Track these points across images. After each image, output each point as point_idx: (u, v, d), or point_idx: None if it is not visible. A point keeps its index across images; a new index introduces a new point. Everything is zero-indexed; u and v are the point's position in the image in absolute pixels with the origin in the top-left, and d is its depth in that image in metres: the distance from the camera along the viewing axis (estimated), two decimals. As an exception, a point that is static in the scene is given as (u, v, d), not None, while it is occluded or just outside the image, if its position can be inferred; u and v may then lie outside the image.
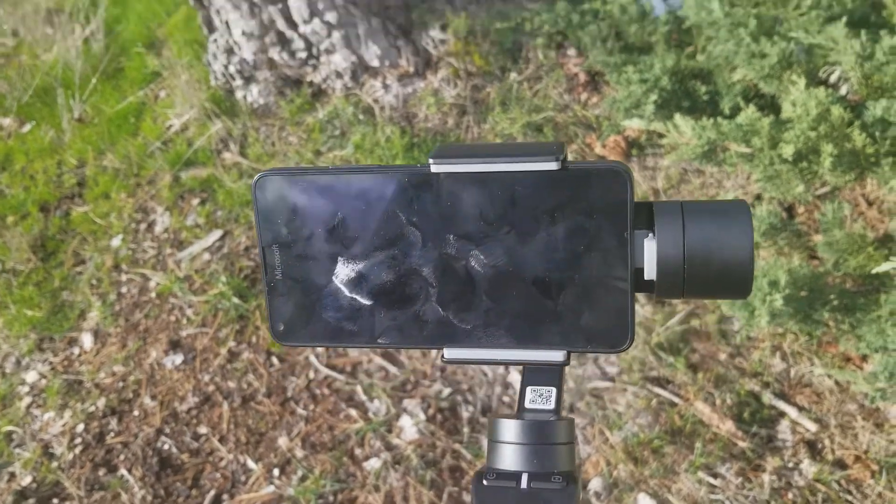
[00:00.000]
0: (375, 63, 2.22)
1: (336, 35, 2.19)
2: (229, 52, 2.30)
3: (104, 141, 2.46)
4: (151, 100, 2.57)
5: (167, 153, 2.34)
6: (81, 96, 2.62)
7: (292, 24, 2.20)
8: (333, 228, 0.49)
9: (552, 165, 0.44)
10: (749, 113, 1.54)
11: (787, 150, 1.48)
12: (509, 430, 0.47)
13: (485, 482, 0.46)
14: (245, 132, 2.30)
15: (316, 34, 2.20)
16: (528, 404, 0.48)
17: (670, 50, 2.06)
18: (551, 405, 0.48)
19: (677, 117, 1.60)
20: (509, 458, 0.46)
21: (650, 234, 0.45)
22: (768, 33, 1.75)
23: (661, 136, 1.92)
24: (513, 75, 2.22)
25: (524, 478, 0.46)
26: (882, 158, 1.51)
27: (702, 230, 0.44)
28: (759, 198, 1.76)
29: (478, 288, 0.47)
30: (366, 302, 0.49)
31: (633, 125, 1.74)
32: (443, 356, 0.49)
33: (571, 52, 2.26)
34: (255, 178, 0.49)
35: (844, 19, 1.63)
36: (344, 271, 0.49)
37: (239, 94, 2.34)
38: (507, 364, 0.49)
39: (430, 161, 0.46)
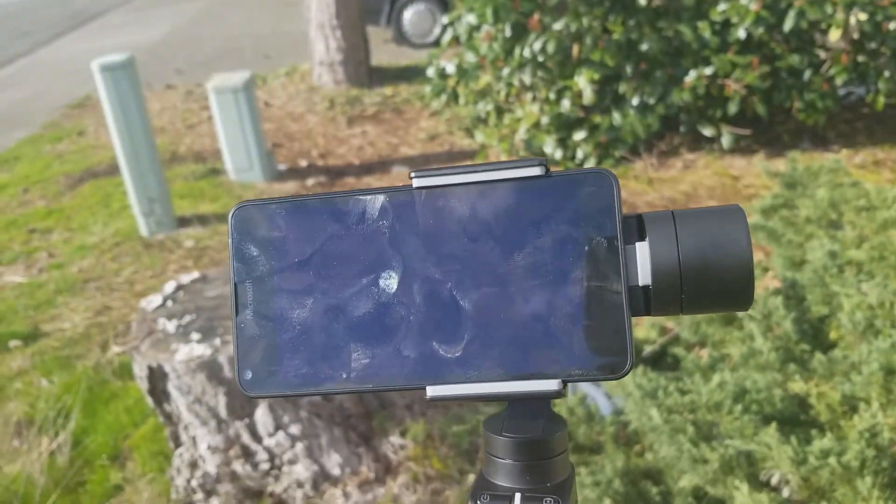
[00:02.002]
0: (336, 471, 2.27)
1: (299, 446, 2.26)
2: (193, 465, 2.35)
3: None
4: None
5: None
6: (39, 512, 2.59)
7: (257, 438, 2.28)
8: (311, 258, 0.46)
9: (536, 171, 0.43)
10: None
11: (741, 561, 1.49)
12: (503, 447, 0.45)
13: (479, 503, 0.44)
14: (203, 548, 2.25)
15: (280, 445, 2.27)
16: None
17: (619, 448, 2.15)
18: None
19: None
20: (502, 475, 0.45)
21: (643, 243, 0.43)
22: (707, 438, 1.86)
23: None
24: (471, 476, 2.26)
25: (517, 498, 0.44)
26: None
27: (696, 235, 0.42)
28: None
29: (463, 314, 0.44)
30: (342, 338, 0.45)
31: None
32: (426, 395, 0.45)
33: (527, 451, 2.34)
34: (232, 209, 0.47)
35: (774, 424, 1.76)
36: (320, 305, 0.46)
37: (200, 507, 2.34)
38: (497, 399, 0.45)
39: (412, 176, 0.44)
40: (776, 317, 2.16)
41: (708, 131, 4.39)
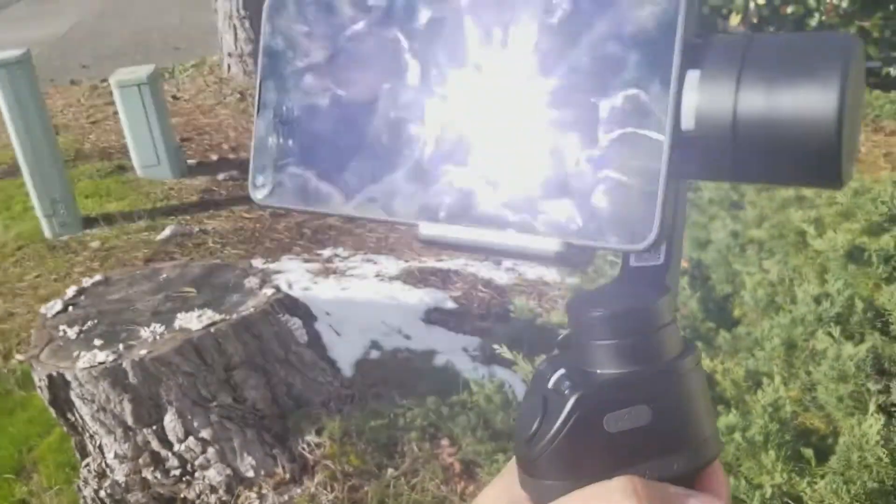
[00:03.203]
0: (251, 474, 2.22)
1: (211, 450, 2.20)
2: (101, 475, 2.26)
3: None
4: (15, 530, 2.43)
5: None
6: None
7: (167, 444, 2.21)
8: (334, 57, 0.40)
9: None
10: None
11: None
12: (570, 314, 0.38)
13: (538, 367, 0.39)
14: (114, 561, 2.17)
15: (191, 451, 2.20)
16: (633, 260, 0.38)
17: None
18: (660, 258, 0.37)
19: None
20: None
21: (694, 72, 0.33)
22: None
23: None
24: (390, 471, 2.25)
25: (556, 375, 0.38)
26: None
27: (768, 68, 0.32)
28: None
29: (477, 144, 0.37)
30: (350, 153, 0.40)
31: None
32: (419, 233, 0.38)
33: (445, 442, 2.33)
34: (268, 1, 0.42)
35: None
36: (334, 113, 0.41)
37: (109, 519, 2.26)
38: (490, 252, 0.37)
39: None
40: (683, 296, 2.21)
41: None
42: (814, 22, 3.94)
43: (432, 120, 0.38)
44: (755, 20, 3.89)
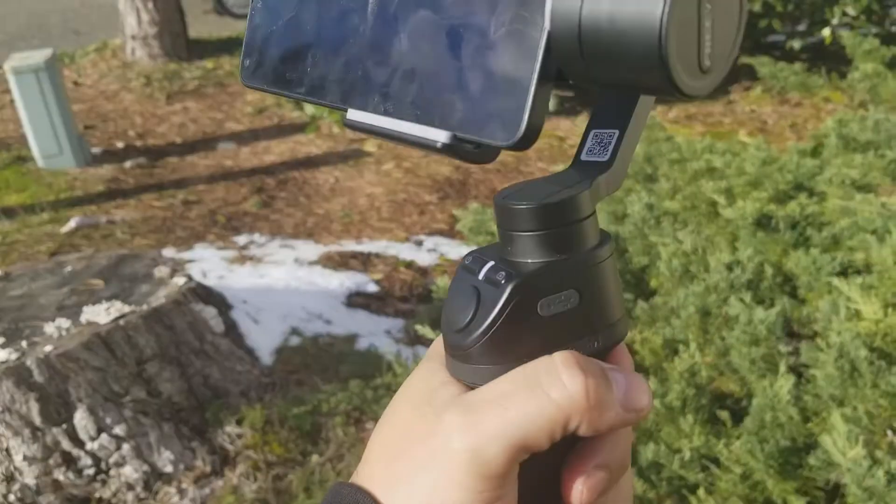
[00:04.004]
0: (169, 469, 2.15)
1: (126, 447, 2.12)
2: (9, 479, 2.15)
3: None
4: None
5: None
6: None
7: (79, 443, 2.11)
8: None
9: None
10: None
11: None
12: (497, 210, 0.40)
13: (463, 262, 0.41)
14: (26, 568, 2.08)
15: (104, 448, 2.12)
16: (584, 155, 0.41)
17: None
18: (606, 156, 0.40)
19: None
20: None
21: None
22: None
23: None
24: (315, 457, 2.21)
25: (486, 266, 0.40)
26: (662, 501, 1.60)
27: None
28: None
29: (399, 42, 0.40)
30: (310, 41, 0.45)
31: None
32: (345, 117, 0.43)
33: (370, 425, 2.31)
34: None
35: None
36: (305, 8, 0.45)
37: (19, 525, 2.15)
38: (399, 141, 0.41)
39: None
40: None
41: (533, 94, 4.48)
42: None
43: (368, 22, 0.42)
44: None
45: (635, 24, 0.31)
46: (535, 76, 0.35)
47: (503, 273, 0.39)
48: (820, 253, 2.01)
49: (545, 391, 0.37)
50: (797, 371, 1.76)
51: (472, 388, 0.39)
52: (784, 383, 1.63)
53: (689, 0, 0.31)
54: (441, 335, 0.42)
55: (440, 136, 0.38)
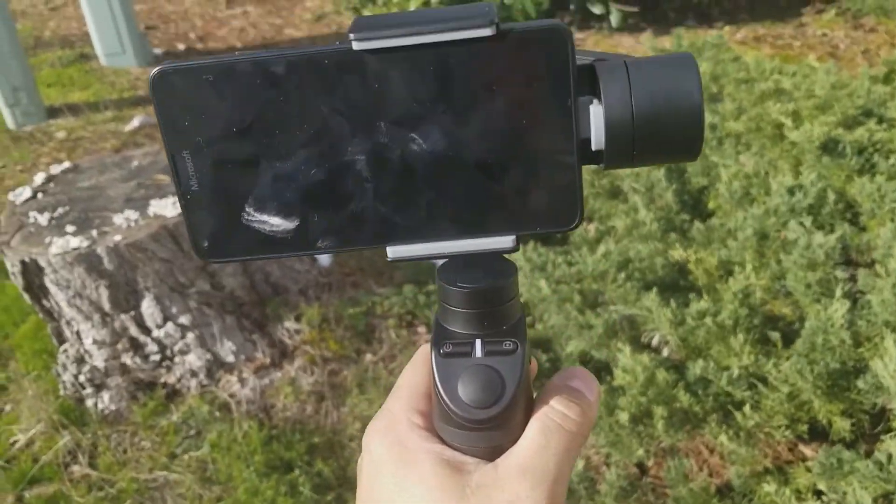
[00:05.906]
0: (231, 358, 2.25)
1: (190, 336, 2.22)
2: (80, 361, 2.27)
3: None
4: (-5, 414, 2.45)
5: (10, 472, 2.20)
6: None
7: (145, 330, 2.22)
8: (250, 126, 0.43)
9: (487, 32, 0.40)
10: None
11: (623, 417, 1.57)
12: (461, 298, 0.46)
13: (443, 351, 0.46)
14: (95, 441, 2.22)
15: (170, 336, 2.22)
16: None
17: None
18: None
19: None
20: (461, 323, 0.46)
21: (594, 100, 0.42)
22: (592, 306, 1.92)
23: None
24: (368, 356, 2.29)
25: (478, 343, 0.45)
26: (707, 416, 1.63)
27: (649, 86, 0.41)
28: (606, 464, 1.83)
29: (417, 178, 0.43)
30: (297, 206, 0.44)
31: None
32: (388, 256, 0.45)
33: (422, 329, 2.37)
34: (151, 75, 0.42)
35: (655, 289, 1.83)
36: (268, 174, 0.43)
37: (89, 402, 2.28)
38: (454, 256, 0.46)
39: (351, 37, 0.41)
40: (658, 189, 2.22)
41: (597, 9, 4.37)
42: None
43: (371, 167, 0.43)
44: None
45: (683, 114, 0.42)
46: (577, 177, 0.43)
47: (510, 342, 0.45)
48: (886, 180, 1.98)
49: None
50: (853, 297, 1.76)
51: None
52: (839, 307, 1.63)
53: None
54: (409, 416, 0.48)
55: (506, 242, 0.44)
